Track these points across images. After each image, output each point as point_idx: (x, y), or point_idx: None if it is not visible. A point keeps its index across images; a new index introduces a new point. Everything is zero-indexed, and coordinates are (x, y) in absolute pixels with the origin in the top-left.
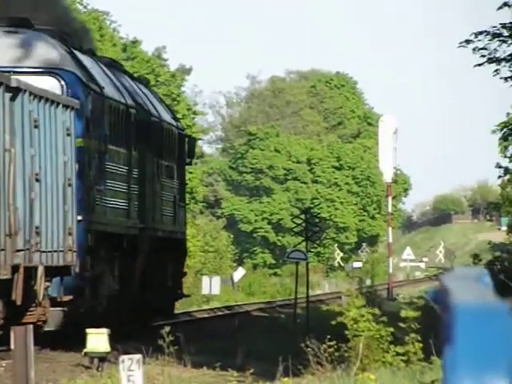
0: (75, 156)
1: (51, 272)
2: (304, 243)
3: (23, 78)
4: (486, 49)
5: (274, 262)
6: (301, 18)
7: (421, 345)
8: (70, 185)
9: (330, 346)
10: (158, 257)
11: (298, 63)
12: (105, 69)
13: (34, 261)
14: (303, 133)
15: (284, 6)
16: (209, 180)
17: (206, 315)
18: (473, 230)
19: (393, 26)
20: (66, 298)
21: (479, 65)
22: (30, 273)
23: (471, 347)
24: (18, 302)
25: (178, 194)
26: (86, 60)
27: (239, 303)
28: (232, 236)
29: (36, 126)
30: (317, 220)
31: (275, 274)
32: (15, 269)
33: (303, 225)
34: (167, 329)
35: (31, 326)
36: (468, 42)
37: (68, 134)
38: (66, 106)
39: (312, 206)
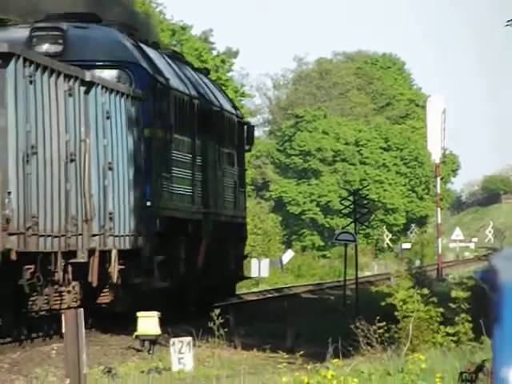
0: (143, 145)
1: (123, 255)
2: (353, 225)
3: (94, 71)
4: None
5: (322, 244)
6: None
7: (471, 325)
8: (139, 173)
9: (379, 327)
10: (220, 240)
11: (345, 44)
12: (169, 60)
13: (108, 245)
14: (351, 114)
15: None
16: (257, 163)
17: (255, 298)
18: None
19: (440, 4)
20: (137, 281)
21: None
22: (105, 256)
23: None
24: (94, 284)
25: (238, 180)
26: (152, 53)
27: (288, 285)
28: (280, 218)
29: (108, 117)
30: (365, 201)
31: (324, 256)
32: (91, 252)
33: (352, 206)
34: (217, 311)
35: (81, 309)
36: None
37: (137, 125)
38: (134, 98)
39: (360, 187)
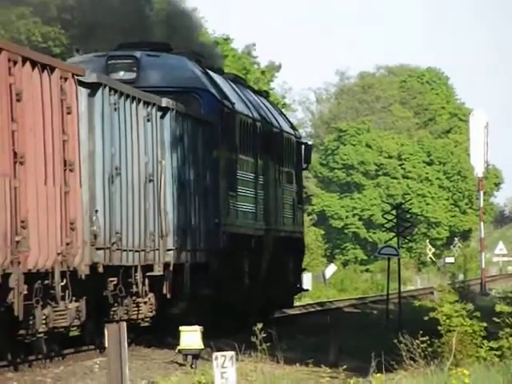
0: (212, 166)
1: (194, 269)
2: (395, 239)
3: (167, 97)
4: None
5: (365, 257)
6: (388, 12)
7: None
8: (209, 191)
9: (423, 342)
10: (280, 254)
11: (385, 58)
12: (232, 85)
13: (182, 259)
14: (393, 128)
15: (371, 0)
16: None
17: (298, 311)
18: None
19: (482, 18)
20: (207, 293)
21: None
22: (178, 269)
23: None
24: (168, 296)
25: (296, 197)
26: (218, 78)
27: (331, 299)
28: (323, 232)
29: (181, 140)
30: (408, 215)
31: (367, 270)
32: (166, 266)
33: (394, 220)
34: (260, 325)
35: (124, 323)
36: None
37: (207, 147)
38: (204, 122)
39: (403, 201)
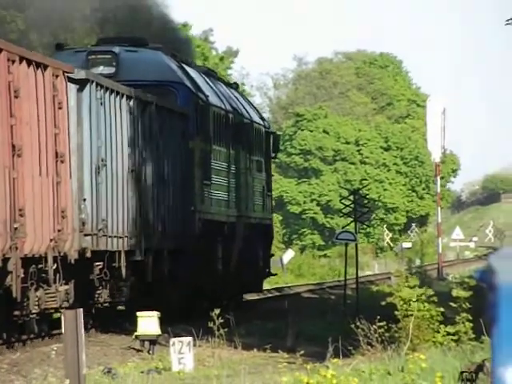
0: (188, 156)
1: (171, 254)
2: (353, 224)
3: (144, 90)
4: None
5: (323, 243)
6: None
7: (471, 324)
8: (185, 181)
9: (380, 327)
10: (250, 240)
11: (344, 44)
12: (205, 78)
13: (161, 245)
14: (351, 114)
15: None
16: None
17: (256, 297)
18: None
19: (439, 3)
20: (184, 278)
21: None
22: (158, 255)
23: None
24: (149, 280)
25: (265, 185)
26: (192, 72)
27: (289, 285)
28: (281, 218)
29: (160, 132)
30: (365, 201)
31: (324, 255)
32: (146, 252)
33: (352, 206)
34: (217, 311)
35: (81, 309)
36: None
37: (183, 138)
38: (180, 114)
39: (360, 186)
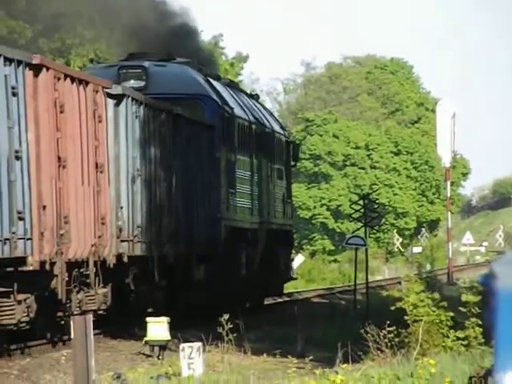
0: (215, 165)
1: (200, 259)
2: (363, 229)
3: (173, 103)
4: None
5: (333, 248)
6: (354, 3)
7: (481, 329)
8: (212, 189)
9: (389, 332)
10: (272, 245)
11: (353, 49)
12: (230, 90)
13: (190, 251)
14: (361, 118)
15: None
16: None
17: (266, 302)
18: None
19: (449, 7)
20: (212, 281)
21: None
22: (187, 261)
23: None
24: (178, 284)
25: (286, 192)
26: (218, 85)
27: (299, 290)
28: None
29: (189, 143)
30: (375, 206)
31: (335, 260)
32: (177, 256)
33: (362, 211)
34: (226, 316)
35: (91, 314)
36: None
37: (210, 149)
38: (208, 126)
39: (371, 191)
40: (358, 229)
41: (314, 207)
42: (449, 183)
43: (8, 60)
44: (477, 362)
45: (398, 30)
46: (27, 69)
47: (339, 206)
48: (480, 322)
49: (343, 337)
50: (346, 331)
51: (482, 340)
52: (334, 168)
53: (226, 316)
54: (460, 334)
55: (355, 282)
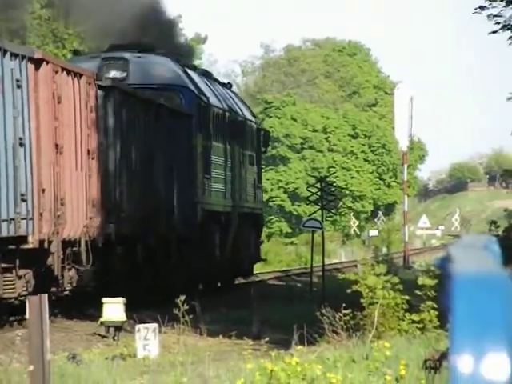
0: (191, 152)
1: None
2: (320, 212)
3: (151, 93)
4: (500, 16)
5: (289, 230)
6: None
7: (436, 312)
8: (189, 174)
9: (345, 314)
10: (243, 228)
11: (312, 32)
12: (205, 79)
13: (172, 232)
14: (319, 101)
15: None
16: None
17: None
18: (489, 197)
19: None
20: (191, 262)
21: (494, 32)
22: (168, 241)
23: (468, 316)
24: (158, 264)
25: (256, 177)
26: (194, 75)
27: (255, 272)
28: None
29: (169, 132)
30: (333, 188)
31: (291, 242)
32: (158, 237)
33: (319, 193)
34: (182, 298)
35: (46, 295)
36: (482, 8)
37: (188, 137)
38: (186, 115)
39: (328, 174)
40: (315, 212)
41: (272, 190)
42: (406, 167)
43: (14, 55)
44: (432, 345)
45: (358, 14)
46: (29, 63)
47: (296, 188)
48: (435, 306)
49: (299, 319)
50: (302, 313)
51: (437, 323)
52: (291, 151)
53: (182, 297)
54: (415, 317)
55: (312, 264)
